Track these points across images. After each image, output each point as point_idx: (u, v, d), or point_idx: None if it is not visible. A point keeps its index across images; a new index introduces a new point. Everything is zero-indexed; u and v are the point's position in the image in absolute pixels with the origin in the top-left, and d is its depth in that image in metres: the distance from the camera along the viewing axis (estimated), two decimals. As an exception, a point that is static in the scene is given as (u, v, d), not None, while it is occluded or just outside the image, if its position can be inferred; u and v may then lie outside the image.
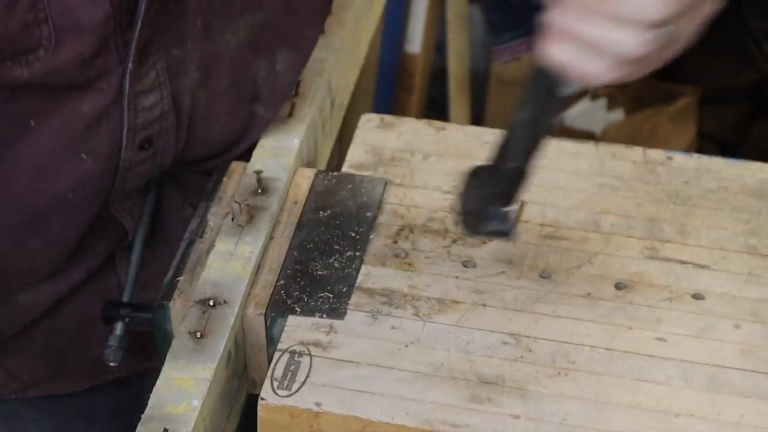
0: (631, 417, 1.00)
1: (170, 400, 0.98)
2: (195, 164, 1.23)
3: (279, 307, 1.09)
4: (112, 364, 1.17)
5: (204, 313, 1.06)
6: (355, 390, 1.01)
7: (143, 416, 0.97)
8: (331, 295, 1.10)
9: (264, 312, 1.08)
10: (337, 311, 1.09)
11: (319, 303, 1.09)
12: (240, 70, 1.19)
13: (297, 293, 1.10)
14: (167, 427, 0.95)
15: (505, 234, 1.04)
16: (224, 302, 1.07)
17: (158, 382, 1.00)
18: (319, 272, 1.13)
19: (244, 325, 1.09)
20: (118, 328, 1.17)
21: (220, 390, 1.03)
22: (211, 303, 1.06)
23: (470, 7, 2.94)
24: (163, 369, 1.01)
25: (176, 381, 0.99)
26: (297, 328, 1.07)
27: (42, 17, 0.97)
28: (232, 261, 1.11)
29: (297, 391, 1.01)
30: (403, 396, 1.01)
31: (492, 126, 1.46)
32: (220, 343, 1.03)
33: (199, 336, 1.03)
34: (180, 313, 1.09)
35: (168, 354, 1.02)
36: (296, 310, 1.09)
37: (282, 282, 1.12)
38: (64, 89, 1.04)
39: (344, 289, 1.11)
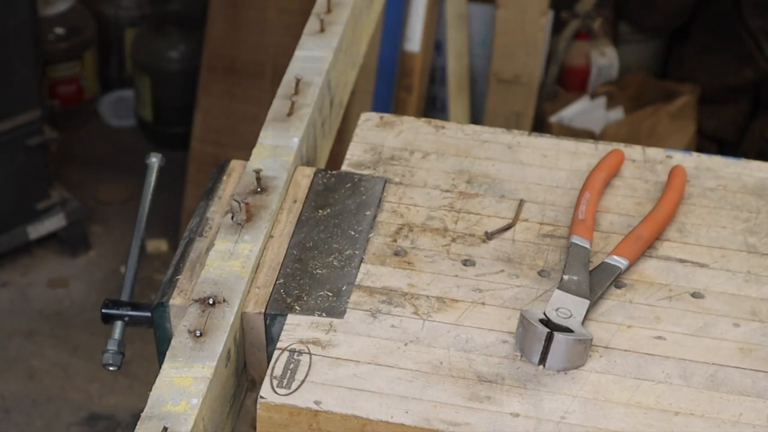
0: (630, 415, 1.00)
1: (169, 399, 0.98)
2: None
3: (278, 306, 1.09)
4: (111, 368, 1.16)
5: (203, 311, 1.06)
6: (355, 389, 1.01)
7: (142, 414, 0.97)
8: (330, 294, 1.10)
9: (263, 311, 1.08)
10: (336, 310, 1.09)
11: (318, 301, 1.09)
12: None
13: (296, 292, 1.10)
14: (166, 425, 0.95)
15: None
16: (224, 301, 1.07)
17: (157, 381, 1.00)
18: (318, 271, 1.13)
19: (243, 323, 1.09)
20: (117, 329, 1.17)
21: (220, 389, 1.03)
22: (211, 302, 1.06)
23: (469, 6, 2.94)
24: (163, 368, 1.01)
25: (176, 380, 0.99)
26: (296, 326, 1.07)
27: None
28: (231, 260, 1.11)
29: (296, 389, 1.01)
30: (402, 394, 1.01)
31: (491, 124, 1.46)
32: (220, 341, 1.03)
33: (198, 335, 1.03)
34: (179, 312, 1.09)
35: (167, 352, 1.02)
36: (296, 309, 1.09)
37: (281, 281, 1.12)
38: None
39: (344, 288, 1.11)
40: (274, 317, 1.08)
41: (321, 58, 1.35)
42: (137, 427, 0.96)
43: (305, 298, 1.10)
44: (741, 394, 1.03)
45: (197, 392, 0.98)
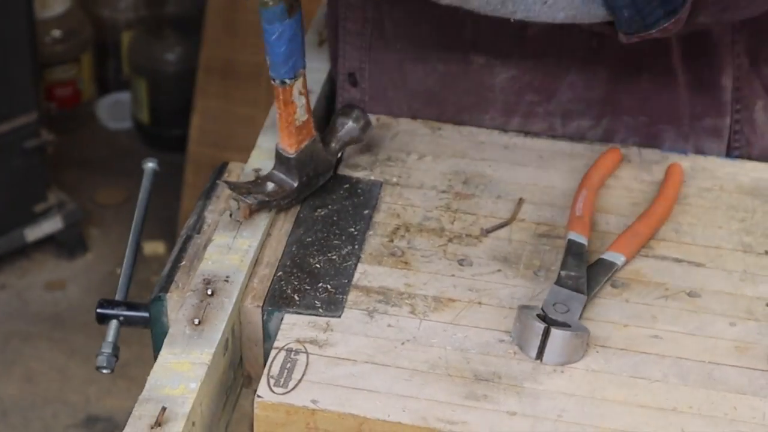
0: (627, 413, 1.01)
1: (168, 383, 0.98)
2: None
3: (276, 302, 1.09)
4: (105, 371, 1.16)
5: (202, 301, 1.06)
6: (352, 387, 1.02)
7: (140, 397, 0.97)
8: (327, 293, 1.11)
9: (261, 305, 1.09)
10: (333, 309, 1.09)
11: (315, 301, 1.10)
12: None
13: (294, 290, 1.11)
14: (165, 406, 0.96)
15: None
16: (222, 290, 1.07)
17: (155, 367, 1.00)
18: (315, 270, 1.13)
19: (241, 317, 1.09)
20: (111, 331, 1.16)
21: (218, 377, 1.04)
22: (209, 292, 1.07)
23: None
24: (161, 354, 1.01)
25: (174, 365, 1.00)
26: (293, 326, 1.07)
27: None
28: (230, 254, 1.12)
29: (293, 388, 1.01)
30: (399, 393, 1.01)
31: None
32: (218, 330, 1.04)
33: (197, 323, 1.04)
34: (177, 306, 1.09)
35: (165, 340, 1.03)
36: (293, 306, 1.09)
37: (279, 276, 1.12)
38: None
39: (341, 287, 1.11)
40: (271, 312, 1.08)
41: (318, 69, 1.36)
42: (135, 408, 0.96)
43: (302, 297, 1.10)
44: (737, 392, 1.03)
45: (195, 377, 0.99)
